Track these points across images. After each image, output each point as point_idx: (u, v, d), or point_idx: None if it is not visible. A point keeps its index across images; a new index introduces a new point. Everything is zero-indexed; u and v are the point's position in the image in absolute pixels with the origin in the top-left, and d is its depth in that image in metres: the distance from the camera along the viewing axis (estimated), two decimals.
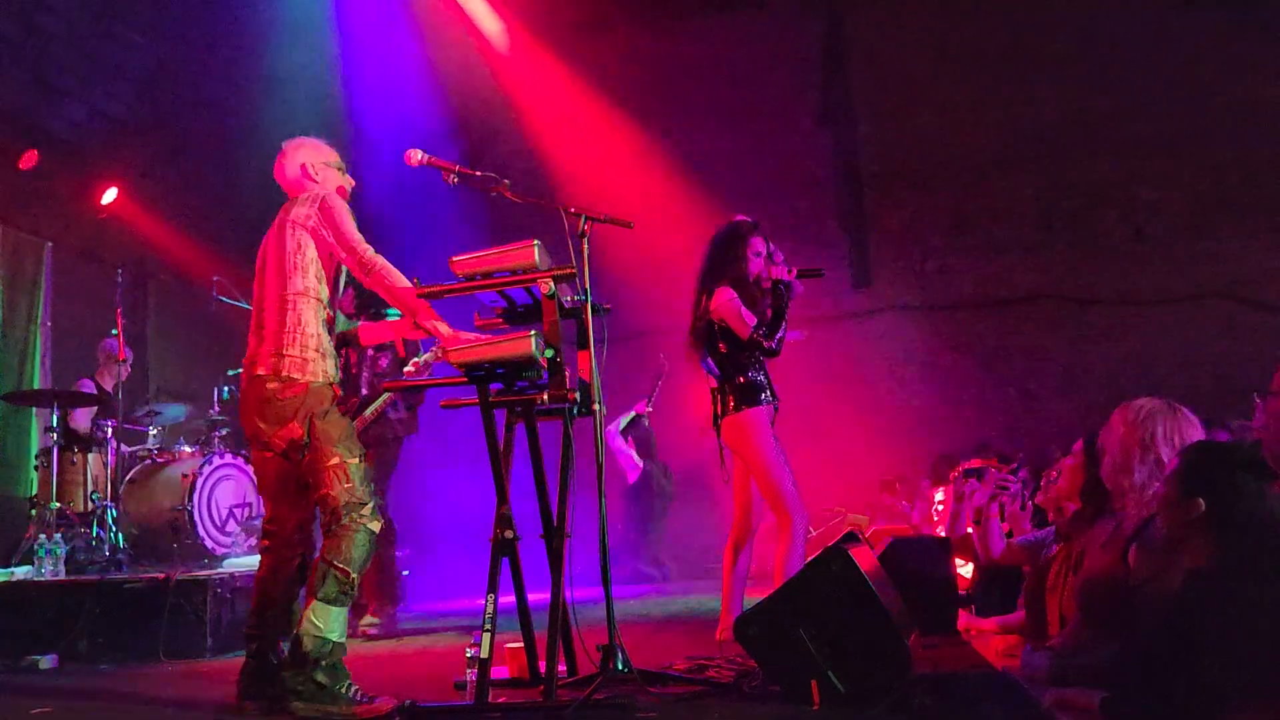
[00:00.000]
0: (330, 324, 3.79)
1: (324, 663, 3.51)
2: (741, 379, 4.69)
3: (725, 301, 4.65)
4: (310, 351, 3.67)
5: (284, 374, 3.63)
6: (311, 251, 3.75)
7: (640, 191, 9.32)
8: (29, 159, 7.51)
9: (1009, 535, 4.80)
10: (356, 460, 3.61)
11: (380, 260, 3.67)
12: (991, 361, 9.97)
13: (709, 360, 4.81)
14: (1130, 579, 3.02)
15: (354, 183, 4.04)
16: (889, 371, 10.21)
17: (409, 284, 3.64)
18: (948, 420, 9.81)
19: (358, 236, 3.71)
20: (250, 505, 6.69)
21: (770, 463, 4.66)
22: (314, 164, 3.97)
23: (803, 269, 4.78)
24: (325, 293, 3.78)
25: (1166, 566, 2.77)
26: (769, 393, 4.78)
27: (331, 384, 3.71)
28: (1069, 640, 3.29)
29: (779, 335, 4.63)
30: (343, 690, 3.50)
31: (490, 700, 3.45)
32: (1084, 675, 2.98)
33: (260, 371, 3.66)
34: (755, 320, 4.65)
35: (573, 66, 9.78)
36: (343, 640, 3.58)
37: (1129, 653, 2.66)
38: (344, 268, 3.82)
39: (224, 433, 7.06)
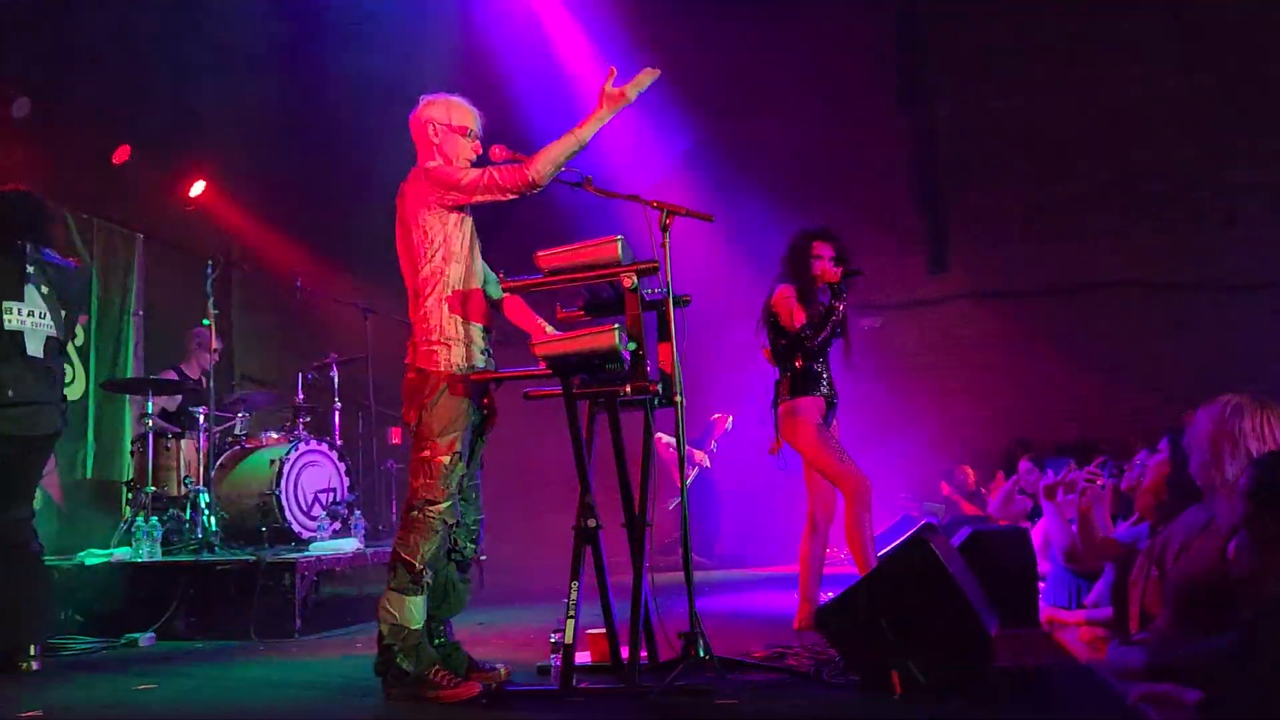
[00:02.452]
0: (472, 301, 3.76)
1: (404, 649, 3.60)
2: (796, 370, 4.98)
3: (781, 299, 5.01)
4: (435, 344, 3.70)
5: (417, 365, 3.72)
6: (434, 230, 3.74)
7: (713, 180, 9.32)
8: (122, 154, 7.75)
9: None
10: (447, 458, 3.64)
11: (517, 169, 3.63)
12: (1071, 349, 9.79)
13: (773, 353, 5.10)
14: (1230, 576, 2.99)
15: (480, 150, 3.87)
16: (965, 359, 10.10)
17: (568, 139, 3.60)
18: (1025, 409, 9.68)
19: (477, 174, 3.68)
20: (334, 490, 6.85)
21: (818, 445, 4.91)
22: (438, 123, 3.85)
23: (847, 270, 5.00)
24: (458, 271, 3.75)
25: (1265, 567, 2.74)
26: (825, 387, 5.03)
27: (457, 374, 3.67)
28: (1162, 636, 3.26)
29: (823, 335, 4.91)
30: (429, 675, 3.59)
31: (574, 685, 3.53)
32: (1178, 672, 2.95)
33: (406, 360, 3.77)
34: (804, 319, 4.94)
35: (644, 53, 9.78)
36: (419, 627, 3.64)
37: (1229, 652, 2.63)
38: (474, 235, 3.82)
39: (308, 419, 7.22)
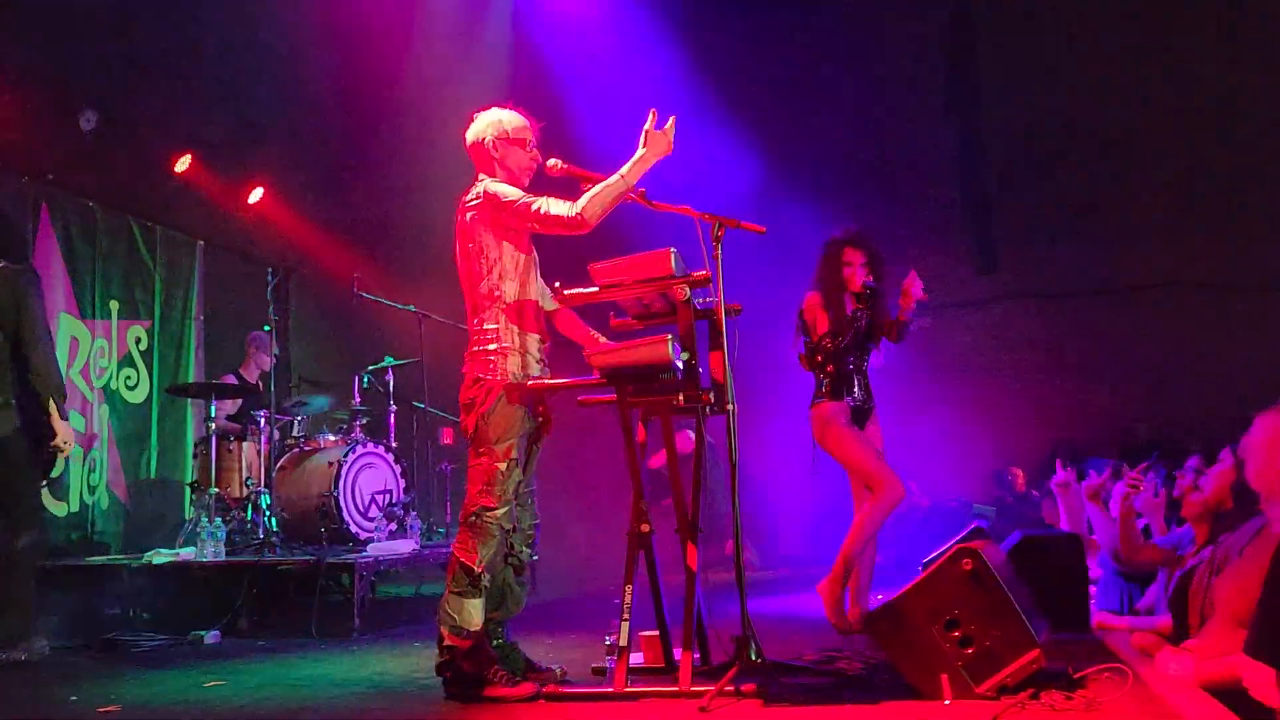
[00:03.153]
0: (528, 313, 3.86)
1: (464, 650, 3.70)
2: (825, 375, 5.04)
3: (809, 306, 5.11)
4: (492, 353, 3.80)
5: (474, 373, 3.83)
6: (490, 248, 3.84)
7: (760, 183, 9.35)
8: (184, 162, 7.97)
9: (1145, 532, 4.77)
10: (504, 464, 3.74)
11: (574, 207, 3.72)
12: (1122, 351, 9.70)
13: (804, 357, 5.18)
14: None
15: (540, 160, 3.96)
16: (1014, 359, 10.06)
17: (616, 183, 3.71)
18: (1075, 411, 9.62)
19: (531, 202, 3.77)
20: (390, 492, 7.00)
21: (848, 446, 4.96)
22: (495, 138, 3.94)
23: (866, 283, 5.05)
24: (513, 286, 3.84)
25: None
26: (856, 391, 5.07)
27: (513, 382, 3.76)
28: (1209, 643, 3.28)
29: (842, 342, 4.99)
30: (488, 674, 3.69)
31: (629, 686, 3.62)
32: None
33: (464, 369, 3.88)
34: (828, 326, 5.02)
35: (693, 55, 9.80)
36: (478, 628, 3.73)
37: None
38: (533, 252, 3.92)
39: (364, 422, 7.37)
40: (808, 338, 5.10)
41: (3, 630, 4.89)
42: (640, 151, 3.73)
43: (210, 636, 5.54)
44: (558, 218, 3.73)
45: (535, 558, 4.13)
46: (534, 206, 3.76)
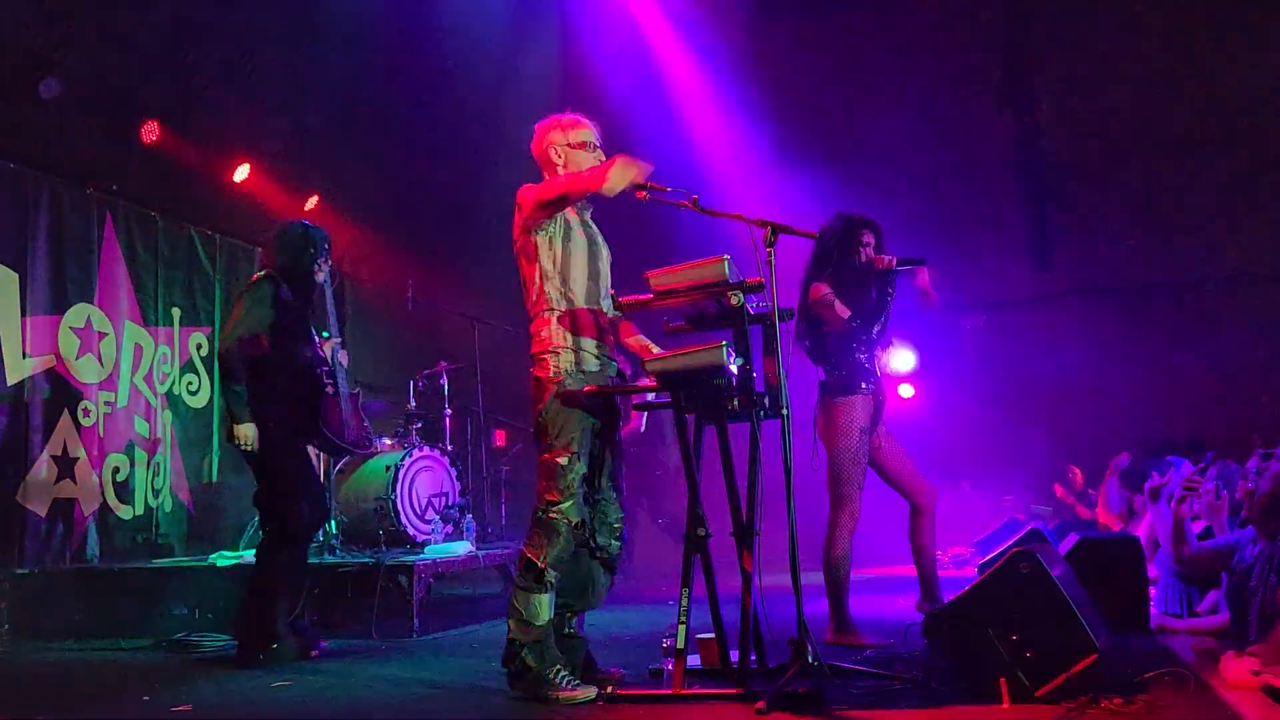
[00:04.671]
0: (580, 312, 3.89)
1: (529, 644, 3.75)
2: (837, 368, 4.93)
3: (819, 297, 4.92)
4: (546, 353, 3.88)
5: (533, 374, 3.92)
6: (531, 251, 3.92)
7: (810, 181, 9.32)
8: (242, 171, 8.13)
9: (1206, 533, 4.72)
10: (564, 459, 3.79)
11: (543, 187, 3.85)
12: (1183, 347, 9.54)
13: (813, 350, 5.06)
14: None
15: (604, 158, 3.94)
16: (1070, 357, 9.93)
17: (585, 173, 3.81)
18: (1134, 409, 9.46)
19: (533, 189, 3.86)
20: (446, 495, 7.09)
21: (843, 452, 4.87)
22: (558, 145, 4.02)
23: (901, 259, 4.91)
24: (555, 286, 3.90)
25: None
26: (870, 382, 4.94)
27: (566, 379, 3.81)
28: (1274, 648, 3.25)
29: (878, 324, 4.88)
30: (550, 675, 3.73)
31: (687, 689, 3.65)
32: None
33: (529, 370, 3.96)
34: (849, 312, 4.86)
35: (743, 55, 9.78)
36: (545, 624, 3.77)
37: None
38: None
39: (420, 425, 7.47)
40: (826, 329, 4.96)
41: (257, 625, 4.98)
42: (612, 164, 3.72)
43: None
44: (548, 190, 3.84)
45: (621, 553, 4.14)
46: (533, 191, 3.85)
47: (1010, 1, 10.15)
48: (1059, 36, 10.01)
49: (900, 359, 9.06)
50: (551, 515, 3.78)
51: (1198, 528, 4.69)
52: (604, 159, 3.96)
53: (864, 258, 4.99)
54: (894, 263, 4.89)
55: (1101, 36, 9.78)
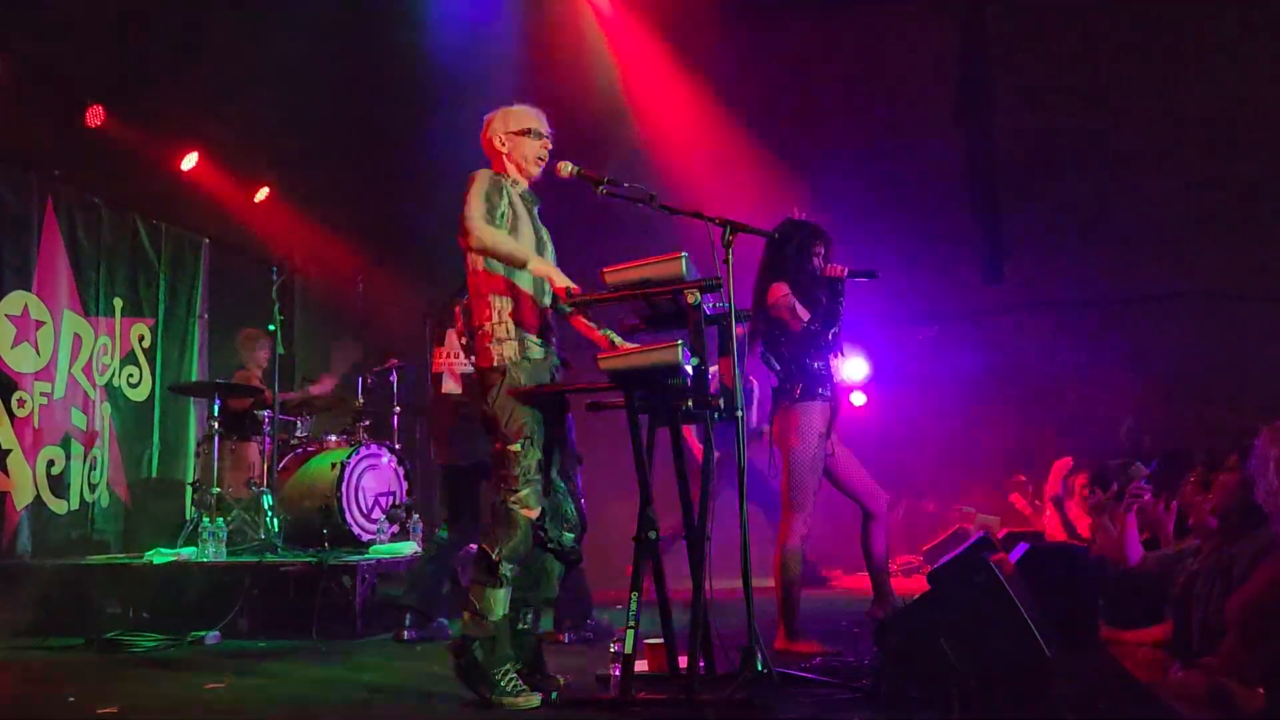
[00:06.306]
0: (521, 309, 3.85)
1: (480, 639, 3.66)
2: (796, 373, 4.89)
3: (780, 297, 4.87)
4: (488, 343, 3.82)
5: (477, 364, 3.87)
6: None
7: (761, 190, 9.30)
8: (190, 160, 7.95)
9: (1150, 541, 4.74)
10: (517, 445, 3.73)
11: (482, 227, 3.75)
12: (1131, 361, 9.65)
13: (769, 355, 5.00)
14: None
15: (551, 147, 4.01)
16: (1021, 369, 10.00)
17: (521, 253, 3.77)
18: (1083, 420, 9.56)
19: (472, 206, 3.78)
20: (393, 494, 6.96)
21: (800, 462, 4.83)
22: (502, 134, 4.02)
23: (853, 270, 4.91)
24: (498, 281, 3.84)
25: None
26: (826, 389, 4.93)
27: (511, 366, 3.76)
28: (1226, 660, 3.24)
29: (834, 329, 4.86)
30: (498, 676, 3.64)
31: (633, 695, 3.57)
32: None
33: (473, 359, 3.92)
34: (809, 314, 4.85)
35: (698, 61, 9.74)
36: (498, 619, 3.68)
37: None
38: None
39: (368, 423, 7.33)
40: (784, 334, 4.90)
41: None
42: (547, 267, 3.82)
43: (210, 637, 5.53)
44: (466, 220, 3.77)
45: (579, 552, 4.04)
46: (469, 223, 3.78)
47: (965, 13, 10.21)
48: (1014, 49, 10.09)
49: (853, 367, 9.08)
50: (510, 504, 3.71)
51: (1144, 536, 4.71)
52: (550, 147, 4.02)
53: (816, 265, 4.99)
54: (845, 271, 4.89)
55: (1055, 49, 9.87)
